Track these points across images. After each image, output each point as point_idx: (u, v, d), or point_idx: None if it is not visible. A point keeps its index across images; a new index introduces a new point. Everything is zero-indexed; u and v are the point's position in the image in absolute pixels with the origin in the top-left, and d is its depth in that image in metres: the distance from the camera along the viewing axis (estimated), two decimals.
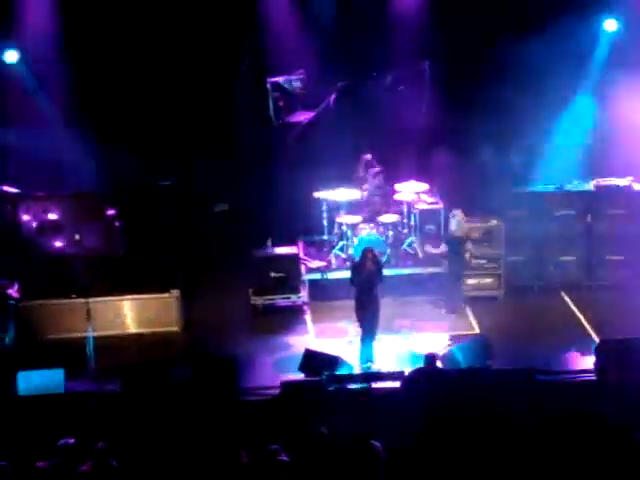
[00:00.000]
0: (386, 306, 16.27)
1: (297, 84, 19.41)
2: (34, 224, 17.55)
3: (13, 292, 15.68)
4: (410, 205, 18.49)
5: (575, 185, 18.53)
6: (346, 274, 16.82)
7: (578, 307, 17.58)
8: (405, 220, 18.49)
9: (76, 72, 18.85)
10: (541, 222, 18.20)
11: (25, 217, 17.56)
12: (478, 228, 18.00)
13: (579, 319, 17.24)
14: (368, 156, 18.88)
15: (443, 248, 17.88)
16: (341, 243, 18.36)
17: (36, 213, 17.55)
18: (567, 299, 17.90)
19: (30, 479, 11.62)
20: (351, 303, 16.05)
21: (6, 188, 17.65)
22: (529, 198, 18.31)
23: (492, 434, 12.66)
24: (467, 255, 17.75)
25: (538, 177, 18.72)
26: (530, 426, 12.62)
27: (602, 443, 11.92)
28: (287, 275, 17.67)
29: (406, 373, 14.45)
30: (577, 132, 19.24)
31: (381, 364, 15.71)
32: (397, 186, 18.67)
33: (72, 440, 11.94)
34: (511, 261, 18.17)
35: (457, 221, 17.57)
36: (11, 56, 18.61)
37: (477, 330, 17.00)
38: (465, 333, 16.83)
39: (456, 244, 17.55)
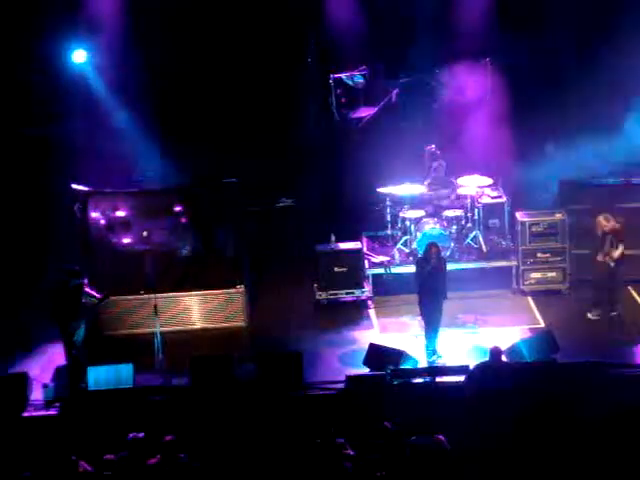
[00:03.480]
0: (450, 301, 16.27)
1: (359, 80, 19.47)
2: (103, 221, 17.78)
3: (96, 293, 15.73)
4: (473, 199, 18.45)
5: None
6: (410, 269, 16.89)
7: None
8: (469, 214, 18.46)
9: (143, 70, 19.14)
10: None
11: (94, 214, 17.76)
12: (542, 222, 17.93)
13: None
14: (432, 147, 18.82)
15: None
16: (404, 238, 18.39)
17: (105, 210, 17.75)
18: (633, 293, 17.74)
19: (99, 472, 11.85)
20: (415, 297, 16.10)
21: (75, 186, 17.90)
22: (594, 191, 18.16)
23: (559, 428, 12.64)
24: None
25: (603, 170, 18.58)
26: (598, 420, 12.58)
27: None
28: (351, 270, 17.77)
29: (471, 367, 14.49)
30: None
31: (446, 358, 15.75)
32: (460, 180, 18.64)
33: (142, 434, 12.15)
34: (576, 255, 18.06)
35: (598, 220, 16.64)
36: (79, 56, 18.91)
37: (542, 324, 16.94)
38: (530, 327, 16.79)
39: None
